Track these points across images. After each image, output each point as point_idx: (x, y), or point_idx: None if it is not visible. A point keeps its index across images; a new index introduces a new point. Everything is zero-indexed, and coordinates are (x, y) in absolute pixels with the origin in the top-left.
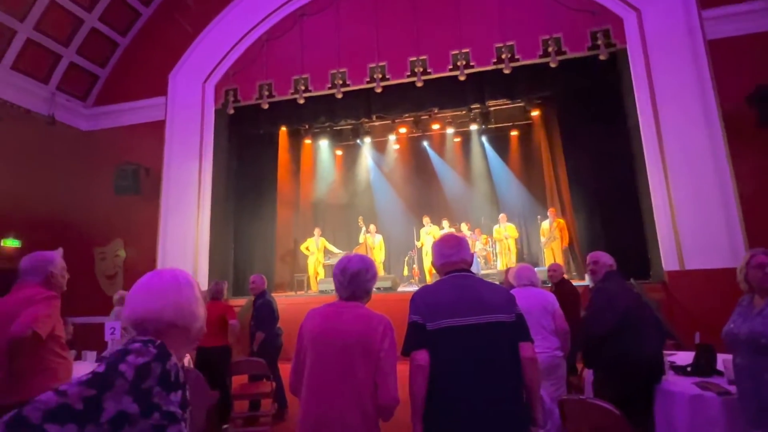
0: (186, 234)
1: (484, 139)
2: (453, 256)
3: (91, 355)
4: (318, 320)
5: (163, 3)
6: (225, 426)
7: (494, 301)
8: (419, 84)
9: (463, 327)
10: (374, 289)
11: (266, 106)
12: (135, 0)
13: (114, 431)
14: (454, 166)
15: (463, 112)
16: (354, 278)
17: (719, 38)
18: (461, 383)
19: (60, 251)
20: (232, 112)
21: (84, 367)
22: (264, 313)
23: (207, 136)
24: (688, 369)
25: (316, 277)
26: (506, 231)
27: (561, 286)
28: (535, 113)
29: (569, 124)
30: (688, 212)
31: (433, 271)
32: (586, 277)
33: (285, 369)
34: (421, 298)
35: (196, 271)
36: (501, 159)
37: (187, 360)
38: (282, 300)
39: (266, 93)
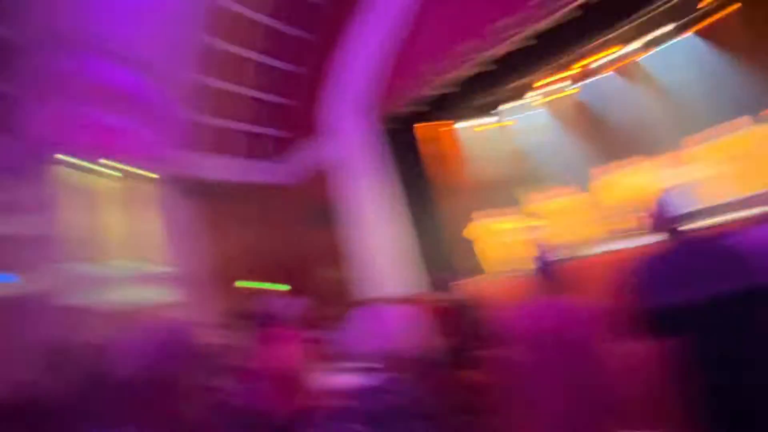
0: (387, 250)
1: (677, 39)
2: (670, 213)
3: None
4: (530, 319)
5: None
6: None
7: (743, 261)
8: (573, 16)
9: (707, 300)
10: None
11: (412, 108)
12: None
13: None
14: (648, 88)
15: (640, 20)
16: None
17: None
18: (729, 368)
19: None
20: (384, 126)
21: None
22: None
23: (371, 157)
24: None
25: (496, 261)
26: (746, 139)
27: None
28: None
29: None
30: None
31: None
32: None
33: None
34: (647, 272)
35: (398, 278)
36: (712, 54)
37: None
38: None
39: (408, 96)
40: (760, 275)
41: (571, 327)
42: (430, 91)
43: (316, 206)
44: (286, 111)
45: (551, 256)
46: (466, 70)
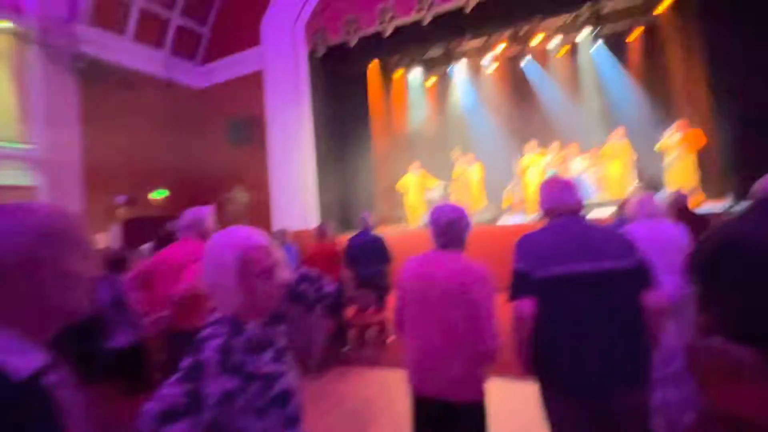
0: (293, 177)
1: (596, 46)
2: (562, 199)
3: None
4: (415, 270)
5: None
6: (344, 348)
7: (608, 246)
8: None
9: (572, 275)
10: (474, 222)
11: (354, 43)
12: None
13: (226, 408)
14: (561, 81)
15: (571, 16)
16: (448, 227)
17: None
18: (571, 331)
19: (212, 207)
20: (323, 52)
21: None
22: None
23: (302, 80)
24: None
25: (416, 212)
26: (619, 149)
27: (684, 217)
28: (661, 9)
29: (708, 18)
30: None
31: (535, 201)
32: (722, 200)
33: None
34: (527, 244)
35: (305, 210)
36: (617, 67)
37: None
38: (389, 235)
39: (353, 28)
40: (613, 262)
41: (455, 278)
42: (383, 29)
43: (235, 120)
44: (223, 11)
45: (445, 216)
46: (421, 18)
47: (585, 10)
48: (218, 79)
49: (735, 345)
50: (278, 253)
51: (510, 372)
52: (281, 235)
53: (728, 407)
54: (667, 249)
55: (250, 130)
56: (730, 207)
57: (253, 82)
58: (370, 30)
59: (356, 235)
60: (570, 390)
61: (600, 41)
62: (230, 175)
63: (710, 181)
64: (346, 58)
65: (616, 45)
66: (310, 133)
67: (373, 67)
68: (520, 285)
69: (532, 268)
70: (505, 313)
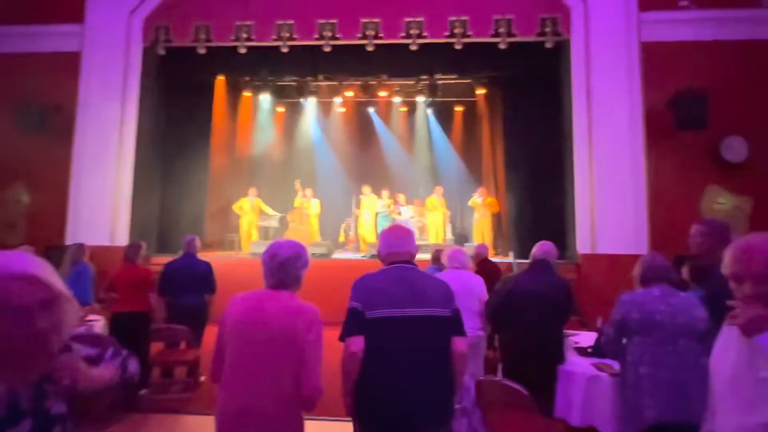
0: (104, 182)
1: (429, 111)
2: (399, 247)
3: None
4: (242, 309)
5: None
6: (142, 392)
7: (434, 295)
8: (370, 48)
9: (401, 318)
10: (310, 256)
11: (203, 51)
12: None
13: None
14: (398, 135)
15: (412, 82)
16: (283, 265)
17: (653, 41)
18: (393, 369)
19: None
20: (162, 52)
21: None
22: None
23: (132, 76)
24: (589, 350)
25: (248, 239)
26: (438, 204)
27: (484, 266)
28: (480, 92)
29: (511, 107)
30: (605, 201)
31: (368, 240)
32: (510, 254)
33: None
34: (363, 286)
35: (115, 224)
36: (444, 133)
37: (101, 326)
38: (215, 261)
39: (203, 36)
40: (436, 310)
41: (285, 320)
42: (236, 45)
43: (31, 102)
44: None
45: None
46: (279, 46)
47: (423, 80)
48: (13, 48)
49: (510, 380)
50: (57, 290)
51: (330, 413)
52: (76, 252)
53: None
54: (468, 296)
55: (52, 118)
56: (513, 262)
57: (65, 63)
58: (223, 43)
59: (176, 259)
60: (385, 430)
61: (432, 109)
62: (10, 168)
63: (501, 239)
64: (193, 65)
65: (445, 115)
66: (133, 136)
67: (222, 81)
68: (353, 323)
69: (365, 308)
70: (334, 352)
